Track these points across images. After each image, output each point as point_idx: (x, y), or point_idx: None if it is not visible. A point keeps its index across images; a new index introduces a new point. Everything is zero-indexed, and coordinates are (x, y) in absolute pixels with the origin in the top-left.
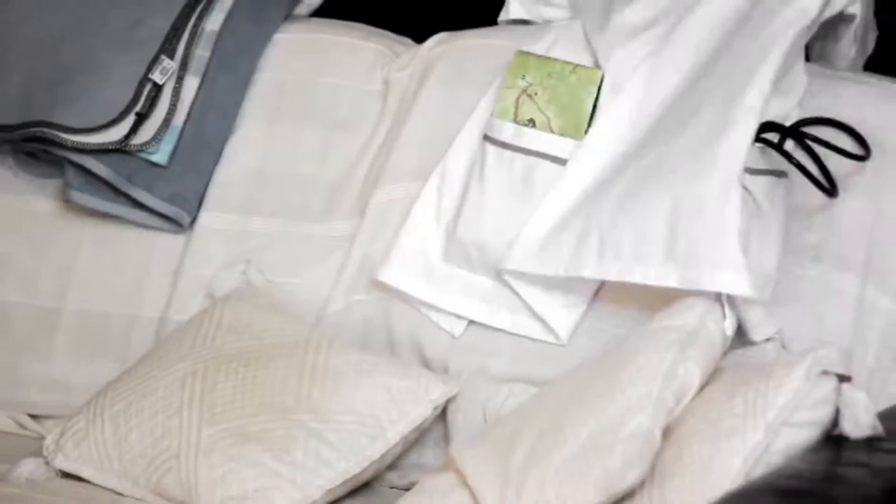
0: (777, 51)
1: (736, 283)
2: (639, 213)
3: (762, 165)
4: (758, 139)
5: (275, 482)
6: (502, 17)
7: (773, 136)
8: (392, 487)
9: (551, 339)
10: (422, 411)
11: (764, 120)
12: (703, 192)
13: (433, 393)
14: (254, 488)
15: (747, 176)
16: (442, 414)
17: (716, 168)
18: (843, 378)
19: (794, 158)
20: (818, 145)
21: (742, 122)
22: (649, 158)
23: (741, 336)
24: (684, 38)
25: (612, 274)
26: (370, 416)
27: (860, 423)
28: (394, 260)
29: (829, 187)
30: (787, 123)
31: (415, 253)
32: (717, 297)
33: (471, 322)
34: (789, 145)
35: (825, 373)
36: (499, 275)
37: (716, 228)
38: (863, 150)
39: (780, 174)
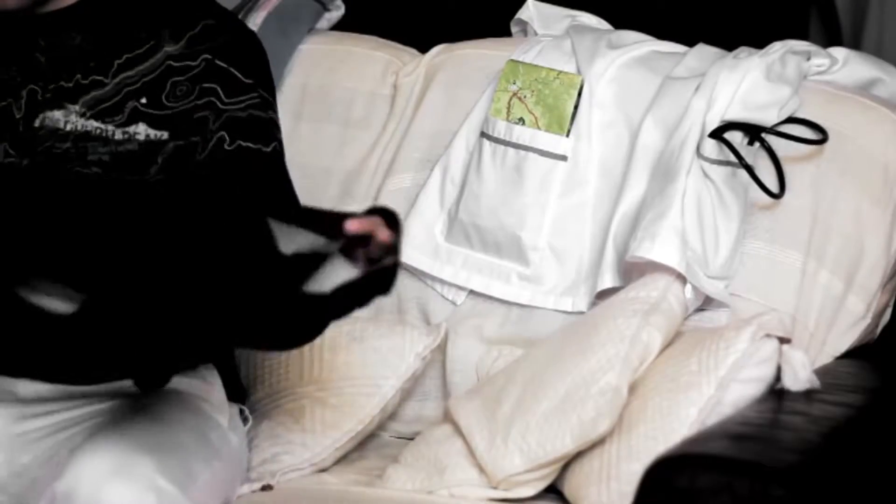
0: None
1: (667, 255)
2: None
3: (723, 157)
4: (719, 138)
5: (286, 448)
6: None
7: (737, 134)
8: (399, 437)
9: (536, 304)
10: (410, 364)
11: (758, 106)
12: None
13: (417, 346)
14: (270, 455)
15: (710, 166)
16: (442, 372)
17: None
18: (783, 340)
19: (745, 160)
20: (783, 138)
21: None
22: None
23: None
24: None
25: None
26: (364, 377)
27: (798, 378)
28: (403, 239)
29: (779, 187)
30: (782, 109)
31: (422, 233)
32: (679, 273)
33: (469, 292)
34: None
35: (768, 335)
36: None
37: (659, 209)
38: (820, 135)
39: (738, 165)
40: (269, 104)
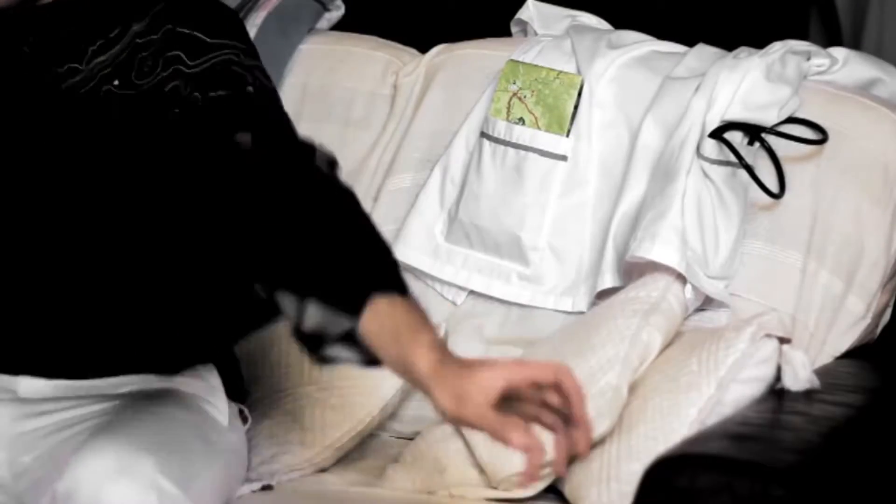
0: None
1: (667, 255)
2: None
3: (723, 157)
4: (719, 138)
5: (286, 448)
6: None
7: (737, 134)
8: (399, 437)
9: (536, 304)
10: None
11: (759, 105)
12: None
13: None
14: (270, 455)
15: (710, 166)
16: None
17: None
18: (783, 340)
19: (745, 160)
20: (783, 138)
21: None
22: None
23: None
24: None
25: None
26: (364, 376)
27: (799, 378)
28: (403, 239)
29: (779, 187)
30: (782, 109)
31: (421, 233)
32: (679, 273)
33: (470, 292)
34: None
35: (768, 335)
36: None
37: (659, 209)
38: (820, 135)
39: (738, 165)
40: (240, 59)
